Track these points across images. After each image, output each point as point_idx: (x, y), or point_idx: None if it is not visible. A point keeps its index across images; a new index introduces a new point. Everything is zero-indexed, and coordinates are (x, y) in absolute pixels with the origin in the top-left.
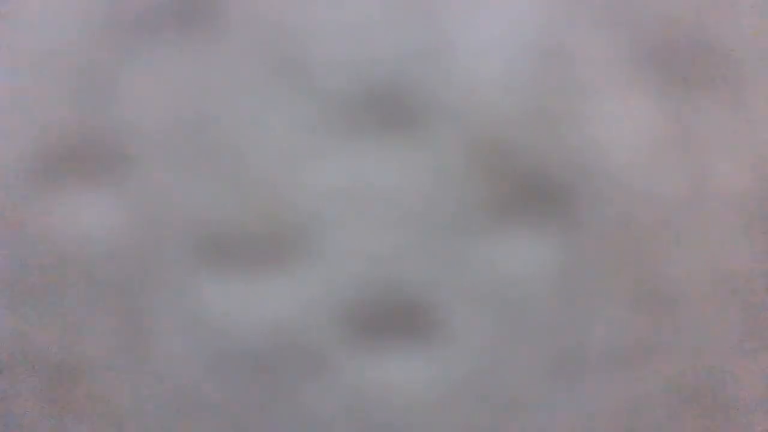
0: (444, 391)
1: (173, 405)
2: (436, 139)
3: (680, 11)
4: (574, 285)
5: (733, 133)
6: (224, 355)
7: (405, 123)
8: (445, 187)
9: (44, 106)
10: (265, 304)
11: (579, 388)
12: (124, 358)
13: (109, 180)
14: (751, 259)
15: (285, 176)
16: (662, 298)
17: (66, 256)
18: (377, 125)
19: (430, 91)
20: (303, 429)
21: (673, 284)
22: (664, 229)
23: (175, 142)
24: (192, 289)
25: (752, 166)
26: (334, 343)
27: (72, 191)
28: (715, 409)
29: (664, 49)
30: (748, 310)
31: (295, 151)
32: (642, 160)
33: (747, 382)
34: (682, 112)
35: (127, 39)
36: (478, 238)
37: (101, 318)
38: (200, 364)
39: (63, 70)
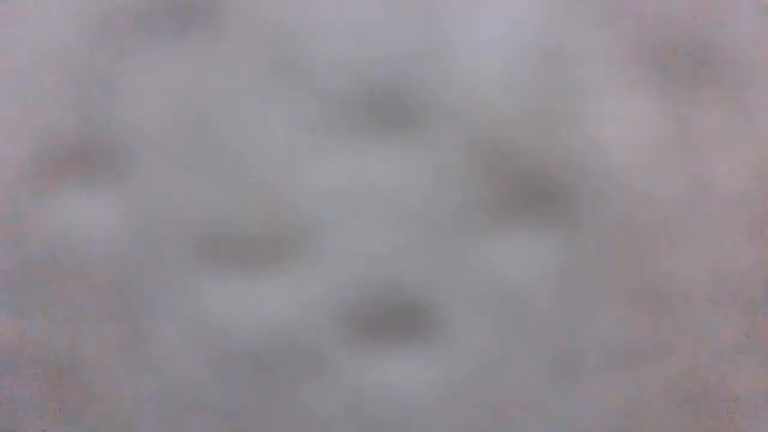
0: (444, 391)
1: (173, 405)
2: (436, 139)
3: (680, 11)
4: (574, 285)
5: (733, 133)
6: (224, 355)
7: (405, 123)
8: (445, 187)
9: (44, 106)
10: (265, 304)
11: (579, 388)
12: (124, 358)
13: (109, 180)
14: (751, 259)
15: (285, 176)
16: (662, 298)
17: (66, 256)
18: (377, 125)
19: (430, 91)
20: (303, 429)
21: (673, 284)
22: (664, 229)
23: (175, 142)
24: (192, 289)
25: (752, 166)
26: (334, 343)
27: (72, 191)
28: (715, 409)
29: (664, 49)
30: (748, 310)
31: (295, 151)
32: (642, 160)
33: (747, 382)
34: (682, 112)
35: (127, 39)
36: (478, 238)
37: (101, 318)
38: (200, 364)
39: (63, 70)
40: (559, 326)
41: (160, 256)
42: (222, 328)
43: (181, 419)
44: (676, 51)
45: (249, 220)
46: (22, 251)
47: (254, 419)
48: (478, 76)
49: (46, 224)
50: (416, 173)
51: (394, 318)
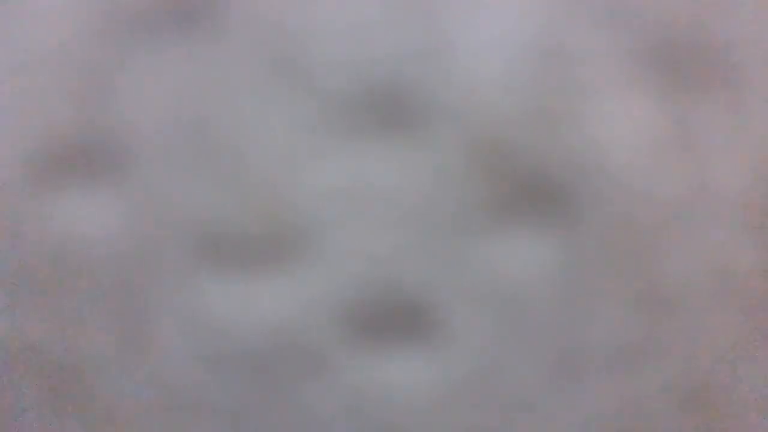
0: (444, 391)
1: (173, 405)
2: (436, 139)
3: (680, 11)
4: (574, 285)
5: (733, 133)
6: (224, 355)
7: (405, 123)
8: (445, 187)
9: (44, 106)
10: (265, 304)
11: (579, 388)
12: (124, 358)
13: (109, 180)
14: (751, 259)
15: (285, 176)
16: (662, 298)
17: (66, 256)
18: (377, 125)
19: (430, 91)
20: (303, 429)
21: (673, 284)
22: (664, 229)
23: (175, 142)
24: (192, 289)
25: (752, 166)
26: (334, 343)
27: (71, 191)
28: (715, 410)
29: (664, 49)
30: (748, 310)
31: (295, 151)
32: (642, 160)
33: (747, 382)
34: (682, 112)
35: (127, 39)
36: (478, 238)
37: (101, 318)
38: (200, 364)
39: (63, 70)
40: (559, 326)
41: (160, 256)
42: (222, 328)
43: (181, 419)
44: (676, 51)
45: (249, 220)
46: (22, 251)
47: (254, 419)
48: (478, 76)
49: (46, 224)
50: (416, 173)
51: (394, 318)
